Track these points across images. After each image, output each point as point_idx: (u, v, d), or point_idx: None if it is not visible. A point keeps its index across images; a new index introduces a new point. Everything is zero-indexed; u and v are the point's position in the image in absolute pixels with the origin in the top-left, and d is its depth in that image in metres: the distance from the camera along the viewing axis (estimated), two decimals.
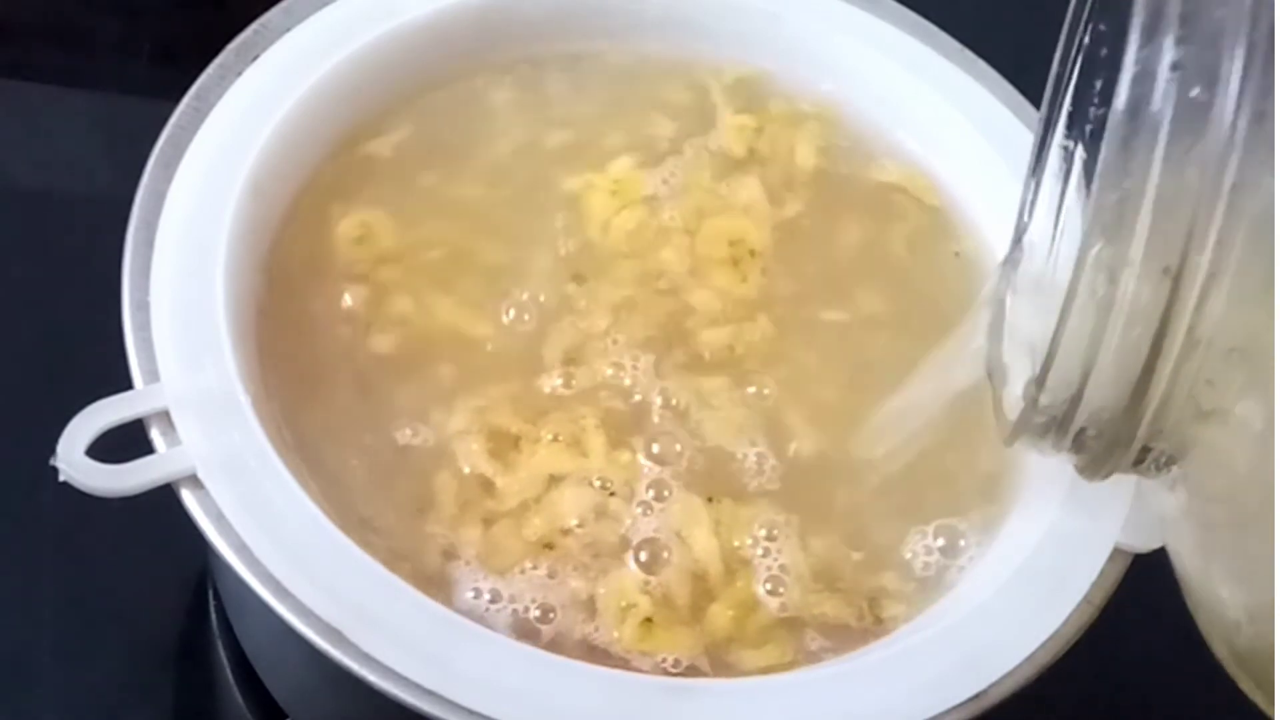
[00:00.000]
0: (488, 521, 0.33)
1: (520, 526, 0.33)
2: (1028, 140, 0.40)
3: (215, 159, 0.35)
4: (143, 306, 0.32)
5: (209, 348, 0.32)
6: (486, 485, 0.34)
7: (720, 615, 0.33)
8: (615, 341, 0.36)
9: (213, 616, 0.42)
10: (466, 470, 0.34)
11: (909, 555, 0.35)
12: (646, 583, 0.33)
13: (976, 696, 0.31)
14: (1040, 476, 0.35)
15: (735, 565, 0.34)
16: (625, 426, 0.35)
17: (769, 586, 0.34)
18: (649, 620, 0.32)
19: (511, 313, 0.36)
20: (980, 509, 0.35)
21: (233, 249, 0.34)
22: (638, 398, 0.36)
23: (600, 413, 0.35)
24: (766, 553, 0.34)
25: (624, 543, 0.34)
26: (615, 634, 0.32)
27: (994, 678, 0.31)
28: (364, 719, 0.34)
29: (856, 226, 0.40)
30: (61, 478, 0.30)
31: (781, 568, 0.34)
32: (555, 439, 0.35)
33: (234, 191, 0.34)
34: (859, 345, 0.38)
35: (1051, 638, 0.32)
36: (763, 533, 0.34)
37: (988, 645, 0.32)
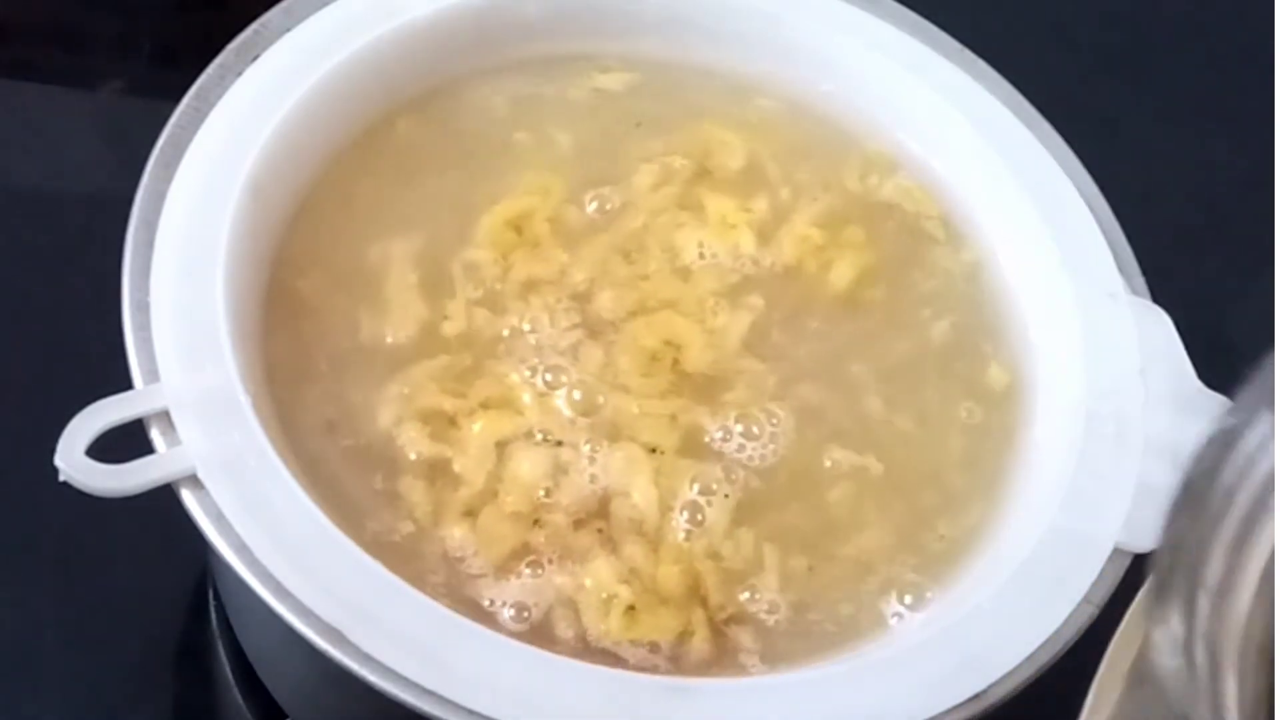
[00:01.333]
0: (470, 514, 0.33)
1: (501, 509, 0.33)
2: (1028, 140, 0.40)
3: (215, 159, 0.35)
4: (143, 306, 0.32)
5: (209, 348, 0.32)
6: (447, 473, 0.34)
7: (670, 576, 0.33)
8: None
9: (213, 616, 0.42)
10: (414, 457, 0.34)
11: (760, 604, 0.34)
12: (622, 570, 0.33)
13: (976, 696, 0.31)
14: (1039, 477, 0.35)
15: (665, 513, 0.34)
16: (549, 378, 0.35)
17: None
18: (632, 608, 0.32)
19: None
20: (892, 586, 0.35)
21: (233, 249, 0.34)
22: (555, 359, 0.36)
23: (520, 367, 0.35)
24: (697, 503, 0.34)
25: (594, 497, 0.34)
26: (603, 627, 0.32)
27: (994, 678, 0.31)
28: (364, 719, 0.34)
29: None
30: (61, 478, 0.30)
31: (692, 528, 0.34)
32: (486, 405, 0.35)
33: (234, 191, 0.34)
34: None
35: (1051, 638, 0.32)
36: (696, 487, 0.34)
37: (988, 645, 0.32)
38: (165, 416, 0.31)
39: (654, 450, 0.35)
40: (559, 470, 0.34)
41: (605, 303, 0.37)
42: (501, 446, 0.34)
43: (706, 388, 0.36)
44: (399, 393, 0.35)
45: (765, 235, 0.39)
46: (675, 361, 0.36)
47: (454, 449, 0.34)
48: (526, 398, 0.35)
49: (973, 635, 0.32)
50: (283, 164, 0.36)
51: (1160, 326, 0.37)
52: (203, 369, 0.32)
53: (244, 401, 0.32)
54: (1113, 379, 0.36)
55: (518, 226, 0.37)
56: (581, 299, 0.37)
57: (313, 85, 0.37)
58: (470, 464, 0.34)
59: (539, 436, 0.34)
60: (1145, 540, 0.33)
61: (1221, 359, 0.46)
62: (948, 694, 0.31)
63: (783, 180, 0.40)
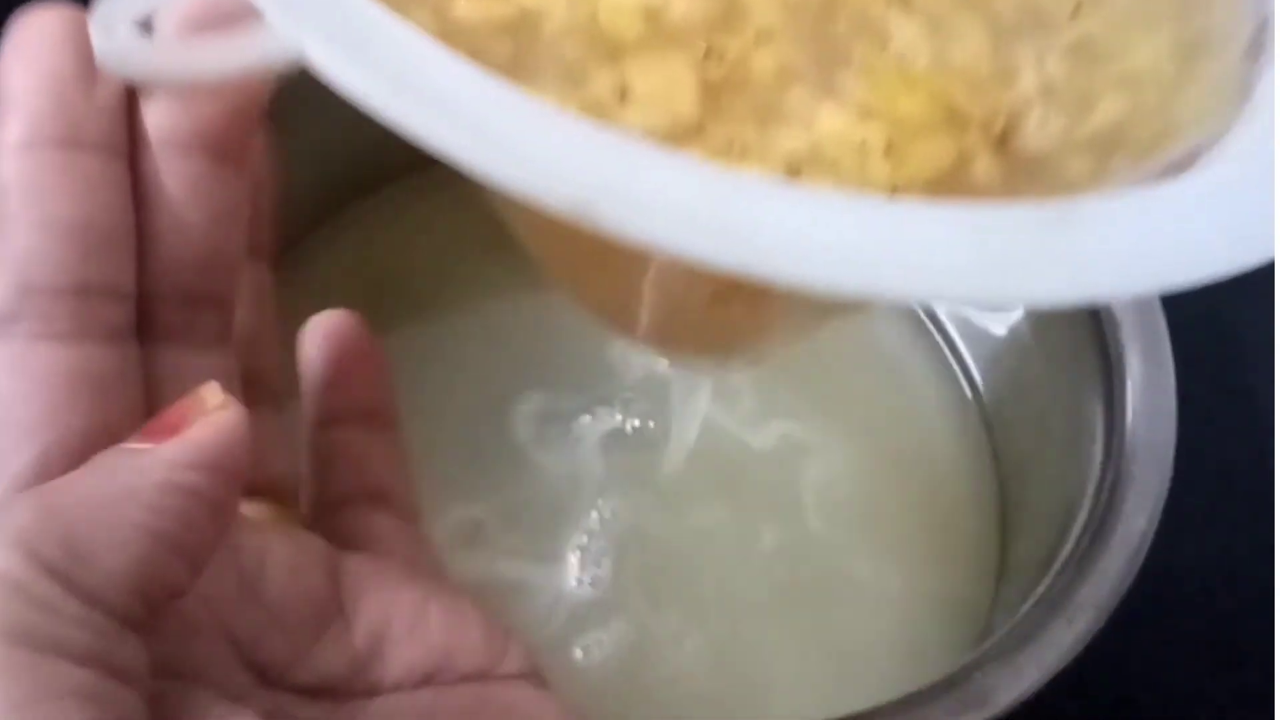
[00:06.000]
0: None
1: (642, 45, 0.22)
2: None
3: None
4: None
5: None
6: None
7: (915, 105, 0.23)
8: None
9: None
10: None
11: None
12: (852, 111, 0.22)
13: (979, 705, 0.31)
14: None
15: None
16: None
17: None
18: (891, 145, 0.22)
19: None
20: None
21: None
22: None
23: None
24: None
25: None
26: (868, 178, 0.22)
27: (995, 684, 0.31)
28: None
29: None
30: (98, 60, 0.22)
31: None
32: None
33: None
34: None
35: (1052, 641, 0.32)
36: None
37: None
38: None
39: None
40: None
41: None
42: None
43: None
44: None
45: None
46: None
47: None
48: None
49: None
50: None
51: None
52: None
53: None
54: None
55: None
56: None
57: None
58: None
59: None
60: None
61: (1223, 358, 0.47)
62: None
63: None
